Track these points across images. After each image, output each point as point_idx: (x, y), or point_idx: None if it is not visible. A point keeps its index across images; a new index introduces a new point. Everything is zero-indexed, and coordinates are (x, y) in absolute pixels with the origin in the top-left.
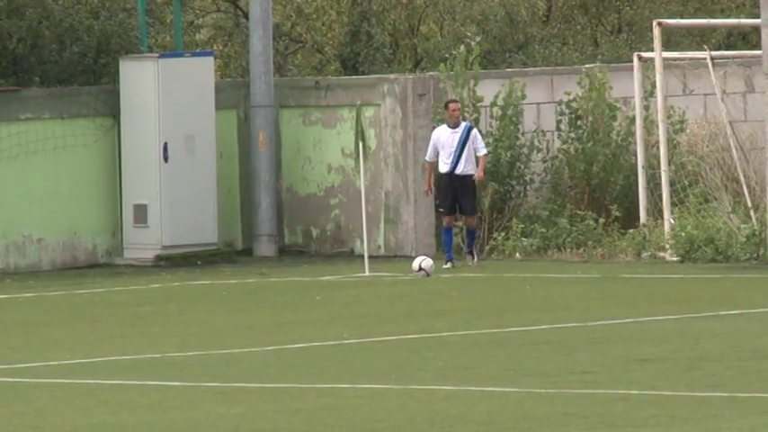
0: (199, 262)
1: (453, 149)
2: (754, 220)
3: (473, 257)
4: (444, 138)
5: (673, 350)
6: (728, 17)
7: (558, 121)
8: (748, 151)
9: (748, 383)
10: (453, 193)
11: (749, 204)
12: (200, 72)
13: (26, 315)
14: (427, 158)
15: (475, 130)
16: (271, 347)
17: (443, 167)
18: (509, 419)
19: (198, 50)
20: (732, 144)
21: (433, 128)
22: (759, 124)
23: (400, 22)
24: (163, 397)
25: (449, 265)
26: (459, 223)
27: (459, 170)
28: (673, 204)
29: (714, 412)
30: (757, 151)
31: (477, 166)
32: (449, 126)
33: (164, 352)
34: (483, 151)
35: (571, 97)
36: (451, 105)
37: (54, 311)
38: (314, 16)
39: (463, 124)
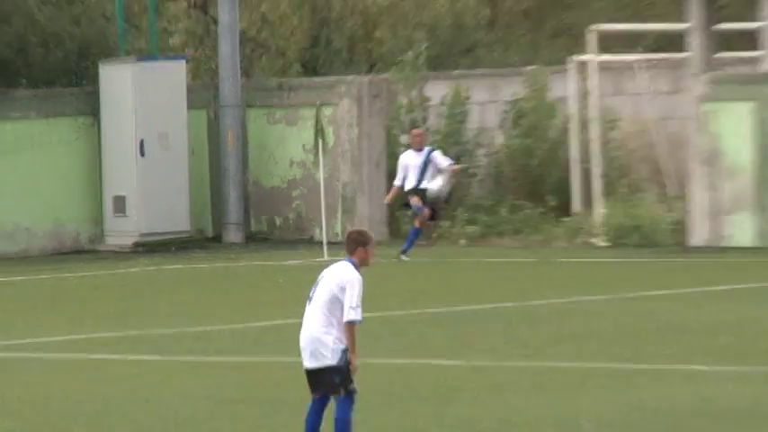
0: (173, 248)
1: (418, 169)
2: (676, 209)
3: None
4: (409, 160)
5: (601, 327)
6: (660, 23)
7: (502, 119)
8: (673, 146)
9: (670, 356)
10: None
11: (672, 195)
12: (174, 74)
13: (17, 297)
14: (396, 182)
15: (435, 152)
16: (239, 325)
17: (411, 184)
18: (454, 389)
19: (171, 54)
20: (658, 140)
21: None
22: (686, 122)
23: (357, 29)
24: (142, 370)
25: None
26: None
27: (422, 185)
28: (604, 195)
29: (638, 382)
30: (682, 146)
31: (444, 179)
32: (413, 150)
33: (142, 329)
34: (446, 163)
35: (515, 97)
36: (414, 132)
37: (43, 293)
38: (277, 23)
39: (426, 148)
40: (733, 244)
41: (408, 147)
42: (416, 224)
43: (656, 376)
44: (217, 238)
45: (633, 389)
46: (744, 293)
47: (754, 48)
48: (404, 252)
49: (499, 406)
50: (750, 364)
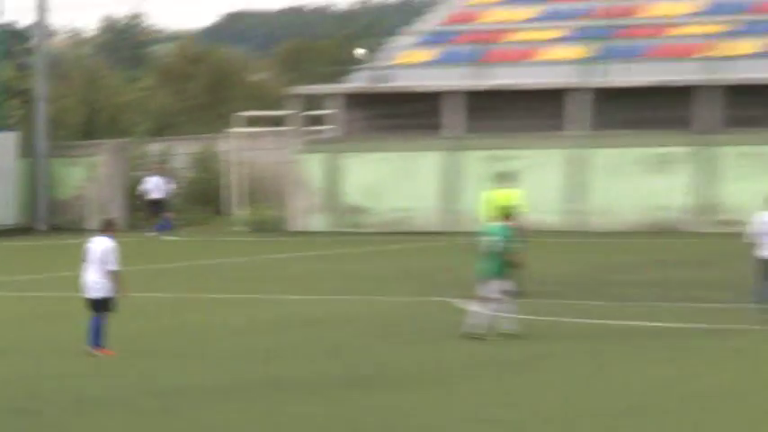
0: (7, 233)
1: (159, 187)
2: (284, 210)
3: (157, 234)
4: (152, 182)
5: (243, 275)
6: (278, 111)
7: (190, 163)
8: (283, 177)
9: (282, 291)
10: (158, 208)
11: (281, 203)
12: (10, 140)
13: None
14: (141, 194)
15: (165, 179)
16: (46, 275)
17: (156, 195)
18: (166, 310)
19: (8, 128)
20: (274, 174)
21: (147, 177)
22: (289, 164)
23: (111, 113)
24: (28, 303)
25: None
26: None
27: (158, 196)
28: (245, 204)
29: (262, 307)
30: (287, 177)
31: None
32: (156, 176)
33: None
34: (170, 185)
35: (198, 151)
36: (156, 165)
37: None
38: (68, 110)
39: (164, 176)
40: (314, 230)
41: (151, 175)
42: (161, 221)
43: (270, 302)
44: (32, 228)
45: (260, 310)
46: (315, 258)
47: (321, 124)
48: (159, 233)
49: (185, 318)
50: (317, 294)
